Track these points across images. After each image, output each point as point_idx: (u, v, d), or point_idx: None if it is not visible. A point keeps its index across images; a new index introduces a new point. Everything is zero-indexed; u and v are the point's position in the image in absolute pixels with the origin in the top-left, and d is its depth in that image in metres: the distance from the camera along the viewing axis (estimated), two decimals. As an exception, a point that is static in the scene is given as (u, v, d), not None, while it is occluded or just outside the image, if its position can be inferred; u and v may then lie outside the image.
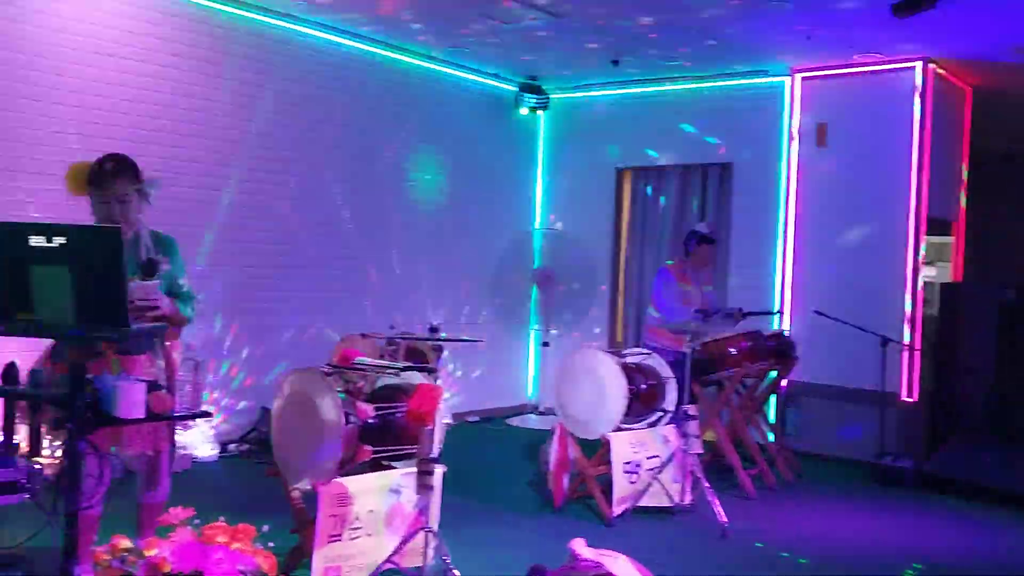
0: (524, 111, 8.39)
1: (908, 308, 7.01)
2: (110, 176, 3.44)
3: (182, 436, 5.80)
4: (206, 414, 2.95)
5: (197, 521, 2.89)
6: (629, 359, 5.58)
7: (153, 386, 2.91)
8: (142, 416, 2.74)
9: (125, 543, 2.72)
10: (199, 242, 6.18)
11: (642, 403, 5.44)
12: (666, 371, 5.58)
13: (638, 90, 8.30)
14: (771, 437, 6.69)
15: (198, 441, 6.08)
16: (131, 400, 2.70)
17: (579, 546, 3.11)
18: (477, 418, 8.22)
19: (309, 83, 6.84)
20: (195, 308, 3.73)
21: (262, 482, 4.23)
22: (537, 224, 8.90)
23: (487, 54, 7.58)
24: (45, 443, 3.00)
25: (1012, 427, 7.11)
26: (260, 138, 6.54)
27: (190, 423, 5.10)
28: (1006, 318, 7.58)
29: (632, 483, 5.20)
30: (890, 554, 4.85)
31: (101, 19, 5.65)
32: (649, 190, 8.49)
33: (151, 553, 2.63)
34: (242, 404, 6.51)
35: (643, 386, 5.42)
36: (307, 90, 6.83)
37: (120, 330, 2.65)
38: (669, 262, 6.56)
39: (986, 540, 5.26)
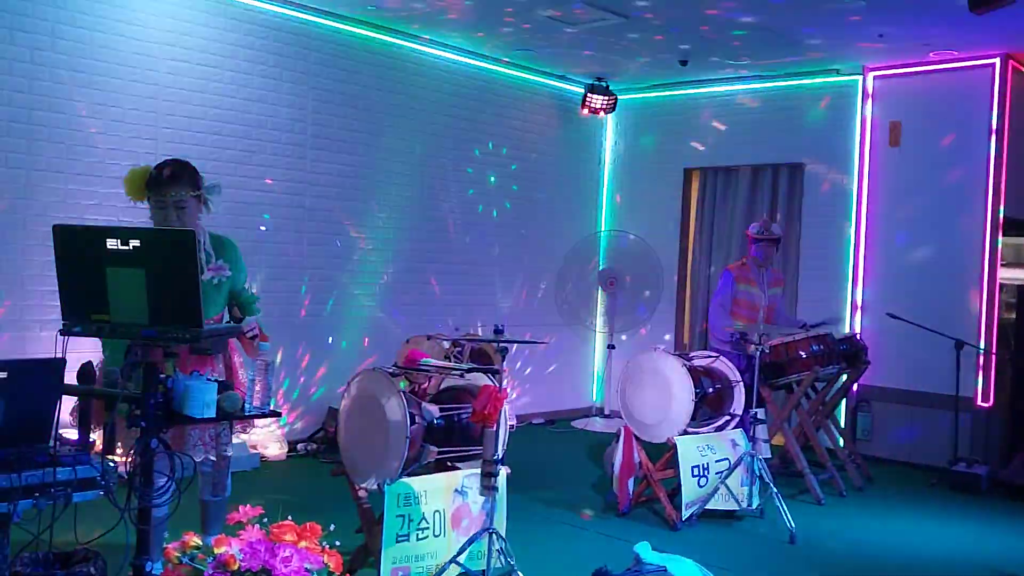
0: (591, 111, 8.34)
1: (984, 311, 6.79)
2: (167, 182, 3.46)
3: (252, 435, 5.91)
4: (275, 414, 3.00)
5: (265, 519, 2.94)
6: (696, 362, 5.51)
7: (224, 386, 2.96)
8: (213, 416, 2.79)
9: (195, 540, 2.77)
10: (268, 246, 6.29)
11: (709, 406, 5.36)
12: (734, 374, 5.50)
13: (706, 90, 8.20)
14: (841, 442, 6.54)
15: (267, 440, 6.19)
16: (202, 400, 2.76)
17: (644, 549, 3.07)
18: (542, 420, 8.20)
19: (378, 87, 6.92)
20: (259, 308, 3.83)
21: (329, 482, 4.28)
22: (603, 226, 8.85)
23: (554, 55, 7.57)
24: (119, 441, 3.07)
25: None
26: (329, 143, 6.64)
27: (258, 422, 5.20)
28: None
29: (701, 487, 5.13)
30: (962, 563, 4.72)
31: (177, 27, 5.80)
32: (717, 191, 8.37)
33: (220, 551, 2.68)
34: (311, 404, 6.61)
35: (710, 389, 5.34)
36: (372, 94, 6.90)
37: (193, 330, 2.70)
38: (737, 262, 6.48)
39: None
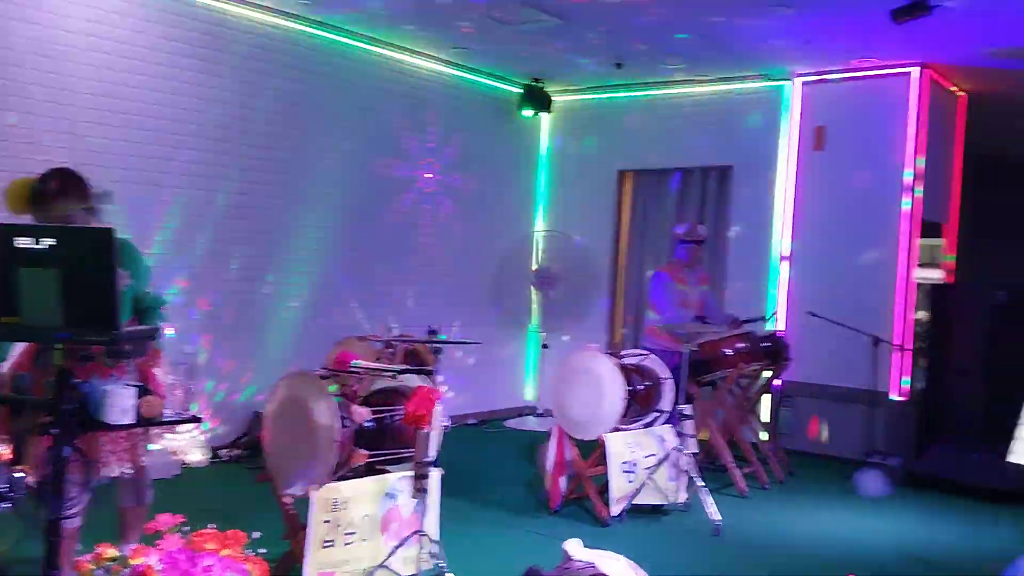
0: (527, 113, 8.35)
1: (900, 309, 7.03)
2: (52, 197, 3.21)
3: (172, 441, 5.74)
4: (196, 419, 2.90)
5: (186, 528, 2.85)
6: (627, 360, 5.56)
7: (143, 391, 2.86)
8: (132, 422, 2.69)
9: (110, 552, 2.67)
10: (192, 242, 6.13)
11: (639, 404, 5.43)
12: (663, 372, 5.57)
13: (640, 93, 8.30)
14: (764, 436, 6.71)
15: (189, 446, 6.02)
16: (120, 405, 2.65)
17: (574, 547, 3.07)
18: (475, 420, 8.18)
19: (307, 83, 6.79)
20: (164, 313, 3.57)
21: (253, 488, 4.17)
22: (538, 226, 8.87)
23: (491, 56, 7.55)
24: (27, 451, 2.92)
25: (1002, 426, 7.12)
26: (256, 138, 6.49)
27: (180, 428, 5.06)
28: (998, 319, 7.60)
29: (629, 482, 5.19)
30: (878, 550, 4.89)
31: (97, 16, 5.57)
32: (650, 193, 8.46)
33: (138, 561, 2.58)
34: (235, 408, 6.46)
35: (640, 387, 5.41)
36: (306, 89, 6.77)
37: (111, 333, 2.60)
38: (666, 264, 6.56)
39: (971, 536, 5.28)
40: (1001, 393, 7.28)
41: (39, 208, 3.23)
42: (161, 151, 5.94)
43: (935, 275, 8.37)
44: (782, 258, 7.57)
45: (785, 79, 7.57)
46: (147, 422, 2.77)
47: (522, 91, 8.32)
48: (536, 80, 8.26)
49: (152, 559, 2.58)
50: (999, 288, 7.82)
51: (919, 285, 7.34)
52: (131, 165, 5.77)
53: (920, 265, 7.48)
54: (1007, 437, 3.81)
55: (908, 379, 7.15)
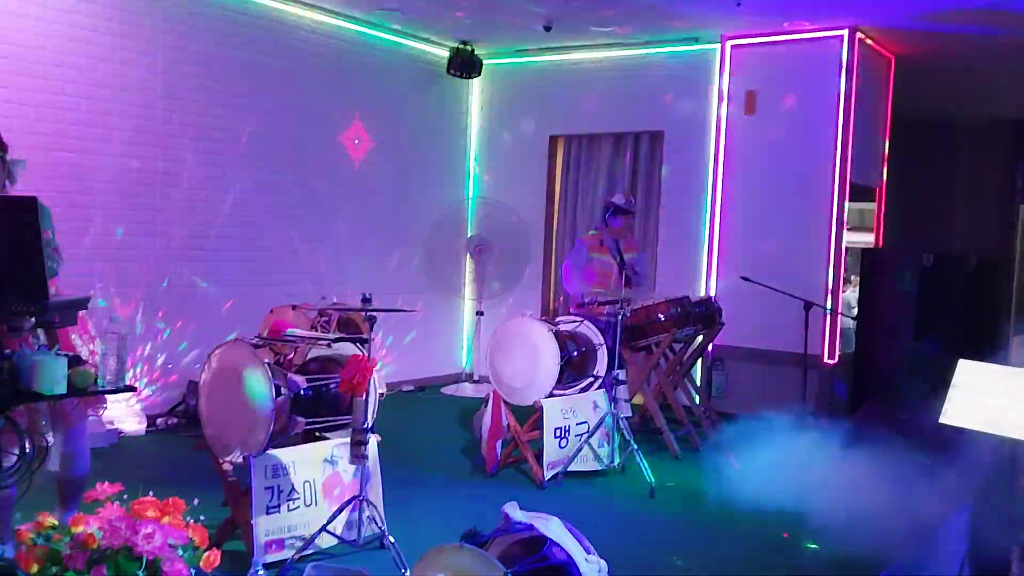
0: (455, 76, 8.30)
1: (831, 273, 7.21)
2: None
3: (108, 411, 5.67)
4: (130, 388, 2.88)
5: (125, 496, 2.84)
6: (562, 327, 5.65)
7: (75, 360, 2.83)
8: (64, 392, 2.67)
9: (50, 520, 2.65)
10: (123, 212, 6.01)
11: (574, 369, 5.52)
12: (597, 338, 5.67)
13: (570, 56, 8.29)
14: (697, 399, 6.85)
15: (124, 415, 5.96)
16: (52, 375, 2.63)
17: (512, 509, 3.15)
18: (412, 387, 8.22)
19: (238, 47, 6.65)
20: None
21: (191, 456, 4.17)
22: (470, 193, 8.86)
23: (417, 18, 7.47)
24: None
25: (929, 385, 7.39)
26: (187, 104, 6.35)
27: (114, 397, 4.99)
28: (926, 282, 7.85)
29: (561, 447, 5.30)
30: (809, 509, 4.96)
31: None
32: (582, 159, 8.50)
33: (78, 530, 2.58)
34: (170, 377, 6.39)
35: (575, 353, 5.50)
36: (235, 55, 6.64)
37: (39, 303, 2.57)
38: (591, 232, 6.59)
39: (901, 493, 5.46)
40: (930, 353, 7.59)
41: None
42: (84, 118, 5.78)
43: (865, 239, 8.62)
44: (713, 223, 7.70)
45: (715, 42, 7.62)
46: (79, 392, 2.75)
47: (449, 55, 8.25)
48: (464, 43, 8.20)
49: (93, 527, 2.57)
50: (926, 251, 8.07)
51: (849, 249, 7.52)
52: (52, 133, 5.61)
53: (850, 229, 7.66)
54: (936, 397, 3.93)
55: (838, 343, 7.37)
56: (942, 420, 3.84)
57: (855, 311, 8.36)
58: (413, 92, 8.23)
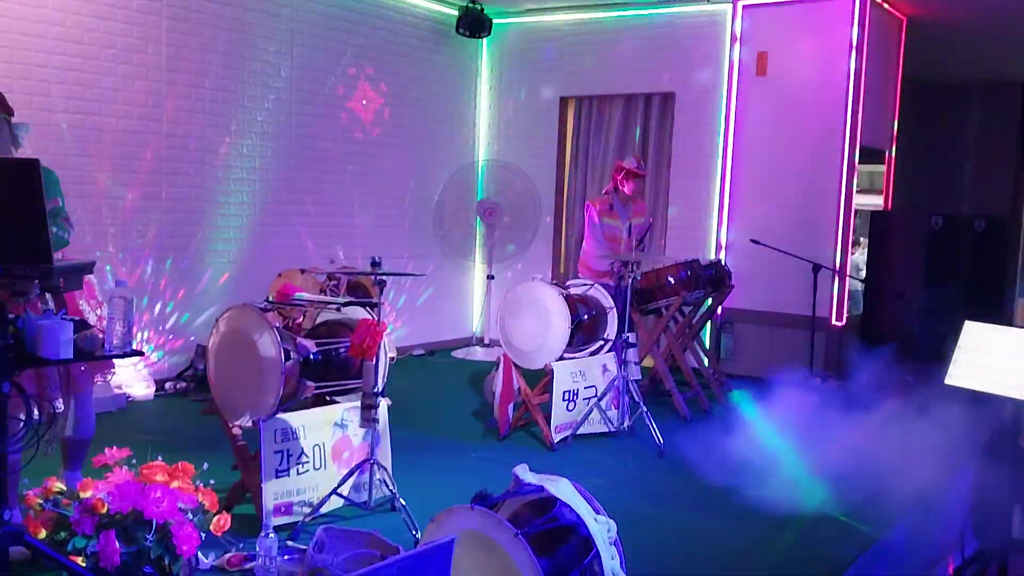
0: (464, 36, 8.16)
1: (839, 236, 7.16)
2: None
3: (115, 376, 5.68)
4: (137, 353, 2.86)
5: (134, 461, 2.84)
6: (572, 290, 5.62)
7: (81, 325, 2.81)
8: (70, 357, 2.64)
9: (58, 485, 2.65)
10: (129, 176, 5.96)
11: (584, 333, 5.50)
12: (607, 301, 5.64)
13: (580, 16, 8.17)
14: (706, 362, 6.86)
15: (132, 380, 5.96)
16: (58, 340, 2.60)
17: (522, 471, 3.14)
18: (422, 351, 8.21)
19: (243, 5, 6.53)
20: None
21: (200, 420, 4.16)
22: (480, 155, 8.78)
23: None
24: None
25: (937, 346, 7.38)
26: (193, 66, 6.27)
27: (123, 362, 4.99)
28: (935, 245, 7.80)
29: (569, 411, 5.30)
30: (813, 469, 4.97)
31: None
32: (592, 120, 8.40)
33: (87, 495, 2.57)
34: (178, 342, 6.39)
35: (585, 316, 5.47)
36: (241, 13, 6.53)
37: (42, 267, 2.54)
38: (604, 195, 6.52)
39: (904, 455, 5.45)
40: (937, 316, 7.56)
41: None
42: (85, 78, 5.71)
43: (875, 201, 8.54)
44: (724, 186, 7.62)
45: (727, 3, 7.51)
46: (86, 356, 2.73)
47: (459, 13, 8.12)
48: (473, 2, 8.06)
49: (101, 492, 2.57)
50: (934, 214, 8.02)
51: (859, 211, 7.48)
52: (53, 94, 5.55)
53: (860, 191, 7.60)
54: (943, 359, 3.92)
55: (846, 304, 7.34)
56: (947, 381, 3.84)
57: (863, 273, 8.31)
58: (422, 52, 8.11)
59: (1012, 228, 9.04)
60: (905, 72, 8.16)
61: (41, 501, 2.62)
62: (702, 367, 6.78)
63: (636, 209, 6.37)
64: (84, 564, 2.70)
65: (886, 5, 7.48)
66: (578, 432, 5.31)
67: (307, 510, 3.80)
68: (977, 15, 7.56)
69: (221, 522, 3.12)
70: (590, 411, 5.35)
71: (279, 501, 3.72)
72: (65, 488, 2.66)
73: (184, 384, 6.29)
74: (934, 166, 10.18)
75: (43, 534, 2.69)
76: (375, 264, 3.81)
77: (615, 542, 2.86)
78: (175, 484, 2.81)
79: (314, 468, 3.87)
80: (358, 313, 3.98)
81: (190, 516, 2.88)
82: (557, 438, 5.20)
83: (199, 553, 3.09)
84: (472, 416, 5.94)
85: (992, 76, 9.92)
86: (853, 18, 7.05)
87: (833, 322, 7.23)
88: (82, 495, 2.60)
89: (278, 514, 3.69)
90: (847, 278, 7.30)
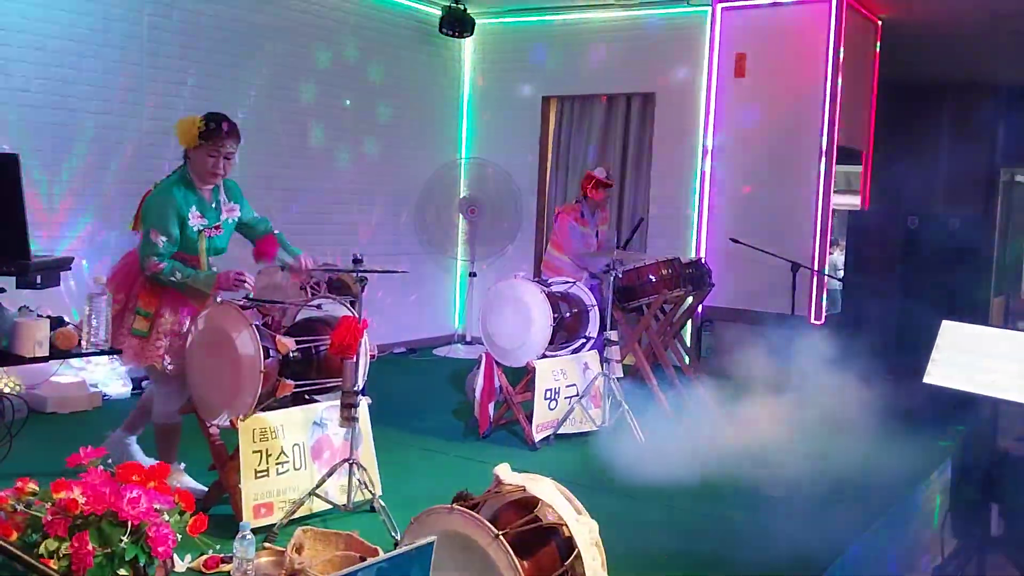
0: (447, 35, 8.15)
1: (818, 235, 7.22)
2: (227, 135, 3.86)
3: (91, 374, 5.61)
4: (115, 351, 2.83)
5: (110, 460, 2.79)
6: (554, 288, 5.61)
7: (58, 322, 2.77)
8: (46, 354, 2.60)
9: (31, 486, 2.60)
10: (107, 172, 5.88)
11: (566, 330, 5.50)
12: (589, 299, 5.65)
13: (563, 17, 8.19)
14: (687, 359, 6.89)
15: (108, 378, 5.89)
16: (34, 337, 2.56)
17: (503, 471, 3.12)
18: (403, 349, 8.18)
19: (225, 3, 6.48)
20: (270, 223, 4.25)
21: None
22: (463, 154, 8.76)
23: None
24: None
25: (914, 344, 7.44)
26: (174, 62, 6.20)
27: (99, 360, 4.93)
28: (912, 245, 7.87)
29: (551, 409, 5.29)
30: (794, 468, 4.98)
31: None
32: (574, 120, 8.41)
33: (61, 495, 2.53)
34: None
35: (567, 314, 5.47)
36: (223, 11, 6.47)
37: (19, 263, 2.50)
38: (575, 202, 6.60)
39: (883, 454, 5.49)
40: (914, 316, 7.62)
41: (213, 142, 3.84)
42: (64, 74, 5.63)
43: (852, 201, 8.61)
44: (703, 186, 7.66)
45: (706, 5, 7.55)
46: (62, 354, 2.69)
47: (442, 13, 8.11)
48: (456, 1, 8.04)
49: (75, 492, 2.52)
50: (911, 213, 8.08)
51: (836, 211, 7.54)
52: (34, 89, 5.47)
53: (837, 192, 7.66)
54: (920, 358, 3.94)
55: (824, 303, 7.39)
56: (926, 380, 3.87)
57: (841, 273, 8.38)
58: (405, 51, 8.08)
59: (986, 227, 9.13)
60: (881, 74, 8.26)
61: (13, 502, 2.57)
62: (683, 365, 6.80)
63: (602, 217, 6.55)
64: (57, 567, 2.65)
65: (861, 8, 7.56)
66: (560, 431, 5.30)
67: (287, 510, 3.76)
68: (950, 19, 7.69)
69: (198, 523, 3.07)
70: (571, 409, 5.34)
71: (258, 502, 3.68)
72: (38, 489, 2.61)
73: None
74: (910, 166, 10.28)
75: (14, 536, 2.63)
76: (356, 261, 3.78)
77: (597, 543, 2.85)
78: (152, 485, 2.77)
79: (294, 468, 3.83)
80: (339, 310, 3.95)
81: (166, 517, 2.84)
82: (539, 437, 5.19)
83: (175, 555, 3.05)
84: (453, 414, 5.92)
85: (965, 78, 10.04)
86: (830, 21, 7.14)
87: (812, 320, 7.28)
88: (56, 496, 2.56)
89: (257, 515, 3.65)
90: (825, 277, 7.36)
